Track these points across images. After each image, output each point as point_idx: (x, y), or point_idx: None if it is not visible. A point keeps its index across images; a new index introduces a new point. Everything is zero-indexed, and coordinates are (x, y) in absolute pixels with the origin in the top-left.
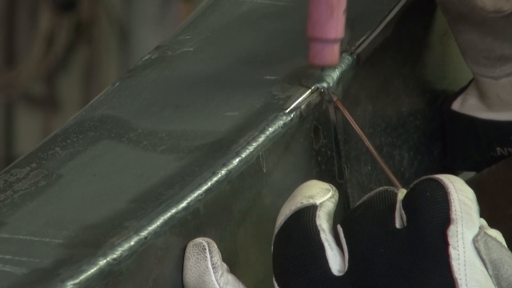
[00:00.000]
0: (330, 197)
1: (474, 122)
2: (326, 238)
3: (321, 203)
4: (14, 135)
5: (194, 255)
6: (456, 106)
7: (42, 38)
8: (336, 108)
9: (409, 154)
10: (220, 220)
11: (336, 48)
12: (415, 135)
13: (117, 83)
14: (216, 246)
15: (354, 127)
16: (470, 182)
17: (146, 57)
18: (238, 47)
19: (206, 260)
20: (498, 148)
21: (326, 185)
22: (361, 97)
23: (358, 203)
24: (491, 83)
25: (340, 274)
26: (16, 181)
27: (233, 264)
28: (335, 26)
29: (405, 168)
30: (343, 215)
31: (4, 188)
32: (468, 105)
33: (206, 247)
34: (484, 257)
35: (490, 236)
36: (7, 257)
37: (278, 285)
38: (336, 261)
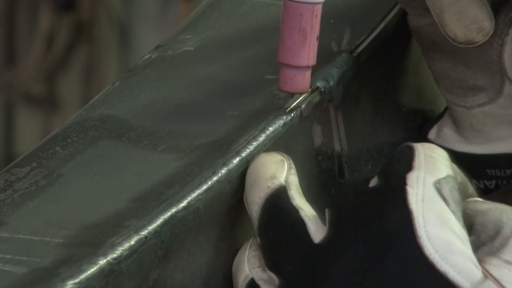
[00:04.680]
0: (289, 168)
1: (450, 155)
2: (306, 214)
3: (286, 181)
4: (14, 135)
5: None
6: (432, 135)
7: (42, 38)
8: (337, 107)
9: None
10: (221, 219)
11: (307, 75)
12: (416, 134)
13: (117, 83)
14: None
15: None
16: None
17: (146, 57)
18: (238, 47)
19: None
20: (474, 181)
21: (277, 156)
22: (361, 96)
23: None
24: (464, 112)
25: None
26: (16, 181)
27: None
28: (307, 53)
29: None
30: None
31: (4, 188)
32: (443, 135)
33: None
34: (446, 196)
35: (460, 182)
36: (7, 256)
37: (273, 273)
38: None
